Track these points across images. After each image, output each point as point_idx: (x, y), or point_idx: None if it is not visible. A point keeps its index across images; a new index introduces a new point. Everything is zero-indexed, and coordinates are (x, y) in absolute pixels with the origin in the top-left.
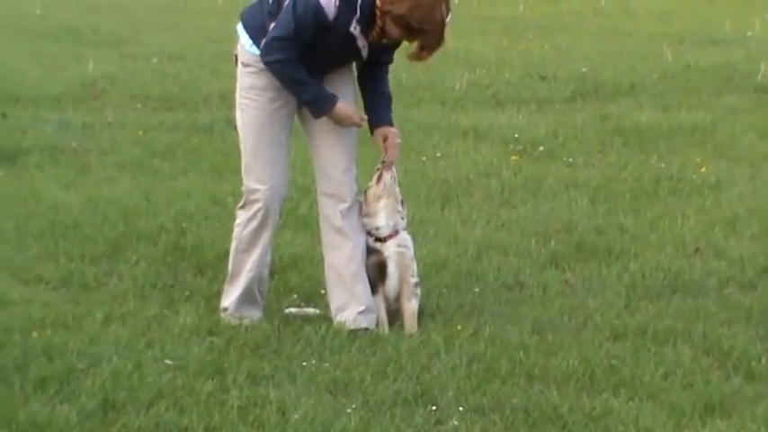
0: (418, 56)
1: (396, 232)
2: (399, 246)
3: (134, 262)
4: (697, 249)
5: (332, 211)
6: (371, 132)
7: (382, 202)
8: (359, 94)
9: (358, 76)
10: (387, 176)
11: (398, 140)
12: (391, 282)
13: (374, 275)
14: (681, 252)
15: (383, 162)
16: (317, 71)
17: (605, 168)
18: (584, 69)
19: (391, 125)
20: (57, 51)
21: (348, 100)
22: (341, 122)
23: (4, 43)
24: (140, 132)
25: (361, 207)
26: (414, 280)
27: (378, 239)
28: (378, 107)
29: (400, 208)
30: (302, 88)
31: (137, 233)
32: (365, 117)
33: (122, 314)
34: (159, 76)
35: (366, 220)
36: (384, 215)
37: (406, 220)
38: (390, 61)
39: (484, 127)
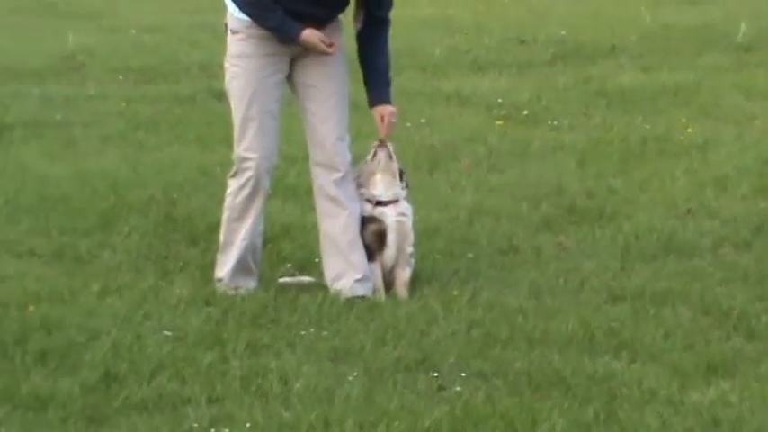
0: None
1: (397, 200)
2: (400, 214)
3: (126, 234)
4: (689, 210)
5: (325, 181)
6: (370, 107)
7: (378, 176)
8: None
9: (358, 48)
10: (381, 154)
11: (394, 120)
12: (390, 251)
13: (373, 243)
14: (672, 213)
15: (379, 141)
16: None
17: (591, 130)
18: (563, 32)
19: (388, 103)
20: (34, 25)
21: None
22: (311, 50)
23: None
24: (123, 104)
25: (357, 176)
26: (410, 249)
27: (379, 203)
28: (376, 84)
29: (399, 181)
30: (268, 14)
31: (127, 205)
32: (334, 43)
33: (118, 286)
34: (138, 48)
35: (363, 190)
36: (382, 186)
37: (407, 191)
38: (387, 20)
39: (466, 92)
